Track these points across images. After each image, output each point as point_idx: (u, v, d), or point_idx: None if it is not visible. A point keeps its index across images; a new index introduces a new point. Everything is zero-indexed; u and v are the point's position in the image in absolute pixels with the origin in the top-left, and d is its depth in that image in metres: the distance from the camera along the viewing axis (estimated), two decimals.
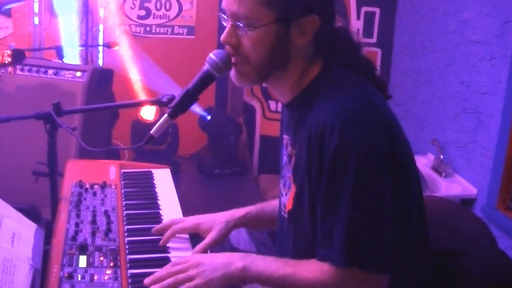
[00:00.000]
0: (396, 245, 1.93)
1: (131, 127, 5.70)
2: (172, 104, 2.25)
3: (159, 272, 2.15)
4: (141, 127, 5.52)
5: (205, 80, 2.24)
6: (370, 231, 1.89)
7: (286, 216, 2.22)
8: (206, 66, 2.21)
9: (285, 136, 2.25)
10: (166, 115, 2.26)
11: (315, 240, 2.01)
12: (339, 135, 1.88)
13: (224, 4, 2.07)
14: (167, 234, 2.49)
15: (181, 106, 2.24)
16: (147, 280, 2.10)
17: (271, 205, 2.63)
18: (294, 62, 2.09)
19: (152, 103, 2.70)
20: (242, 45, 2.08)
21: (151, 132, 2.25)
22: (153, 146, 5.72)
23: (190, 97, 2.24)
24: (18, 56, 3.06)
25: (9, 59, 3.04)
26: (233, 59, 2.13)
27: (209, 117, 5.92)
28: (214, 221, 2.53)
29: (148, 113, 5.52)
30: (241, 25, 2.03)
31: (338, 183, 1.89)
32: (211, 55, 2.19)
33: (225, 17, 2.09)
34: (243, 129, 6.26)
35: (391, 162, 1.92)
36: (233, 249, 2.77)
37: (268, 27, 2.01)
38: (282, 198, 2.28)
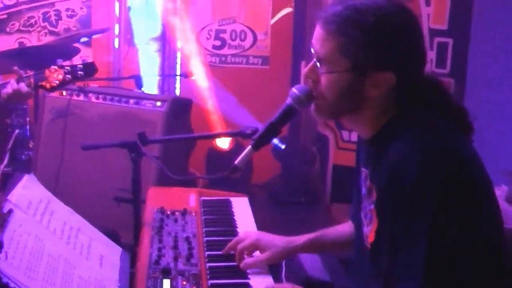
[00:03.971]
0: (474, 277, 1.94)
1: (206, 155, 5.80)
2: (256, 136, 2.32)
3: None
4: (217, 155, 5.62)
5: (288, 114, 2.30)
6: (449, 264, 1.91)
7: (368, 246, 2.25)
8: (288, 100, 2.27)
9: (363, 170, 2.28)
10: (250, 146, 2.33)
11: (393, 272, 2.04)
12: (417, 170, 1.90)
13: (313, 39, 2.14)
14: (238, 253, 2.60)
15: (265, 138, 2.32)
16: None
17: (334, 231, 2.68)
18: (369, 107, 2.12)
19: (236, 134, 2.78)
20: (320, 83, 2.14)
21: (236, 162, 2.33)
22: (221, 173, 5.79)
23: (273, 130, 2.31)
24: (89, 69, 3.15)
25: (82, 73, 3.12)
26: (313, 94, 2.19)
27: (283, 146, 5.99)
28: (273, 242, 2.62)
29: (223, 142, 5.61)
30: (319, 65, 2.10)
31: (417, 217, 1.91)
32: (294, 89, 2.26)
33: (312, 52, 2.16)
34: (316, 158, 6.30)
35: (469, 195, 1.94)
36: (308, 277, 2.81)
37: (341, 74, 2.06)
38: (363, 228, 2.31)
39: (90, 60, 6.13)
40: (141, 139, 2.77)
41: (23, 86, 3.11)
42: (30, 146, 5.13)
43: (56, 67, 3.07)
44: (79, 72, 3.07)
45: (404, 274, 1.96)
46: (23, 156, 5.08)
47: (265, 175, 6.47)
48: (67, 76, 3.05)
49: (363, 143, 2.31)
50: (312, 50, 2.16)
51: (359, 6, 2.04)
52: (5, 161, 2.47)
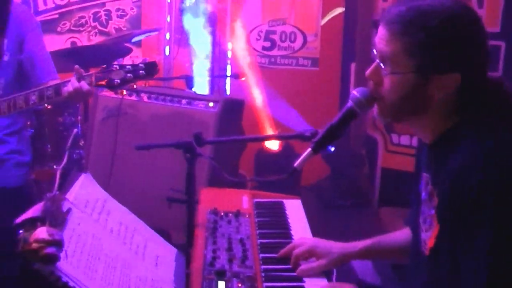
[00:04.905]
0: None
1: (255, 157, 5.79)
2: (316, 139, 2.30)
3: None
4: (266, 157, 5.61)
5: (348, 116, 2.28)
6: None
7: (426, 253, 2.22)
8: (349, 103, 2.25)
9: (424, 174, 2.25)
10: (310, 149, 2.31)
11: (452, 278, 2.01)
12: (480, 175, 1.88)
13: (376, 39, 2.11)
14: (293, 259, 2.57)
15: (325, 141, 2.30)
16: None
17: (390, 238, 2.65)
18: (432, 110, 2.10)
19: (295, 137, 2.76)
20: (382, 85, 2.12)
21: (295, 165, 2.31)
22: (277, 175, 5.78)
23: (333, 133, 2.29)
24: (151, 68, 3.14)
25: (143, 72, 3.11)
26: (375, 96, 2.17)
27: (332, 149, 5.94)
28: (330, 249, 2.59)
29: (272, 143, 5.60)
30: (383, 66, 2.08)
31: (480, 223, 1.88)
32: (355, 92, 2.23)
33: (375, 53, 2.13)
34: (365, 161, 6.26)
35: None
36: (359, 282, 2.80)
37: (406, 76, 2.04)
38: (421, 233, 2.27)
39: (139, 59, 6.18)
40: (197, 140, 2.76)
41: (84, 85, 3.12)
42: (81, 144, 5.16)
43: (117, 66, 3.07)
44: (141, 72, 3.07)
45: (467, 282, 1.93)
46: (74, 155, 5.12)
47: (314, 177, 6.44)
48: (128, 75, 3.05)
49: (424, 147, 2.28)
50: (374, 51, 2.14)
51: (424, 7, 2.02)
52: (65, 160, 2.47)
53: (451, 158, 2.02)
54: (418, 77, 2.03)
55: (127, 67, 3.07)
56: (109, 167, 4.56)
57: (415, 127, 2.25)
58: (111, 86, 3.09)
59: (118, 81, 3.06)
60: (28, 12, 3.97)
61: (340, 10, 6.49)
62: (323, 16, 6.57)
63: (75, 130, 3.88)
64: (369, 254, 2.65)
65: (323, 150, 2.33)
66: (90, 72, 3.15)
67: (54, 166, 5.17)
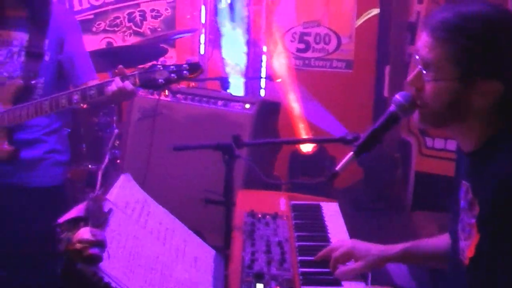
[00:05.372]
0: None
1: (289, 159, 5.79)
2: (358, 143, 2.30)
3: None
4: (299, 159, 5.60)
5: (391, 121, 2.27)
6: None
7: (466, 262, 2.20)
8: (392, 107, 2.24)
9: (464, 182, 2.23)
10: (352, 153, 2.30)
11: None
12: None
13: (418, 44, 2.10)
14: (332, 261, 2.56)
15: (367, 145, 2.29)
16: None
17: (428, 243, 2.63)
18: (475, 117, 2.08)
19: (337, 140, 2.75)
20: (425, 91, 2.11)
21: (337, 169, 2.30)
22: (310, 178, 5.78)
23: (375, 137, 2.29)
24: (195, 69, 3.12)
25: (187, 72, 3.09)
26: (417, 102, 2.16)
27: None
28: (369, 251, 2.57)
29: (306, 145, 5.59)
30: (425, 72, 2.07)
31: None
32: (397, 96, 2.22)
33: (417, 58, 2.12)
34: (399, 164, 6.23)
35: None
36: (395, 286, 2.78)
37: (448, 82, 2.03)
38: (460, 242, 2.25)
39: (173, 60, 6.21)
40: (236, 142, 2.76)
41: (128, 84, 3.12)
42: (116, 144, 5.19)
43: (161, 66, 3.07)
44: (184, 72, 3.05)
45: None
46: (109, 155, 5.15)
47: (347, 180, 6.42)
48: (172, 75, 3.04)
49: (464, 155, 2.26)
50: (417, 56, 2.13)
51: (467, 13, 2.01)
52: (106, 161, 2.48)
53: (493, 167, 2.01)
54: (461, 84, 2.02)
55: (171, 67, 3.06)
56: (144, 168, 4.57)
57: (456, 134, 2.23)
58: (155, 86, 3.09)
59: (162, 81, 3.05)
60: (68, 12, 4.01)
61: (375, 11, 6.46)
62: (358, 17, 6.54)
63: (116, 130, 3.88)
64: (407, 258, 2.63)
65: (365, 153, 2.32)
66: (133, 72, 3.15)
67: (89, 166, 5.22)
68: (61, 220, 1.96)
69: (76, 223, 1.93)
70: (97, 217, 1.98)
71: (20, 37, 3.48)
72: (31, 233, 3.53)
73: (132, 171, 4.51)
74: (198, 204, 3.42)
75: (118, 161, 5.09)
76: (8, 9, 3.49)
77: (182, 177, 4.65)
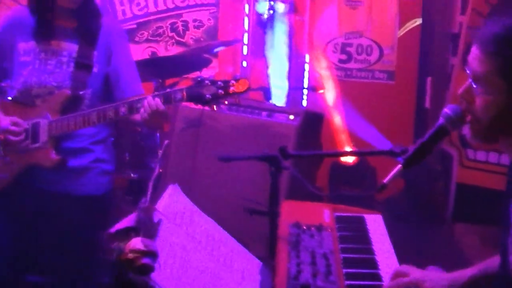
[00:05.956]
0: None
1: (330, 169, 5.79)
2: (407, 156, 2.30)
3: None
4: (340, 169, 5.59)
5: (439, 134, 2.27)
6: None
7: None
8: (440, 120, 2.23)
9: None
10: (400, 166, 2.30)
11: None
12: None
13: (469, 57, 2.10)
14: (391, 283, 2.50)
15: (415, 158, 2.29)
16: None
17: (495, 265, 2.60)
18: None
19: (385, 153, 2.75)
20: (475, 104, 2.10)
21: (384, 181, 2.31)
22: (351, 188, 5.78)
23: (424, 150, 2.29)
24: (242, 85, 3.12)
25: (234, 88, 3.10)
26: (467, 116, 2.15)
27: None
28: (438, 283, 2.50)
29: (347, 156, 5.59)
30: (475, 86, 2.07)
31: None
32: (446, 109, 2.22)
33: (467, 72, 2.12)
34: (440, 176, 6.19)
35: None
36: None
37: (499, 96, 2.02)
38: (510, 256, 2.24)
39: (216, 70, 6.25)
40: (282, 153, 2.77)
41: (177, 98, 3.16)
42: (159, 154, 5.22)
43: (209, 82, 3.09)
44: (232, 88, 3.08)
45: None
46: (152, 164, 5.18)
47: (388, 191, 6.37)
48: (220, 91, 3.07)
49: None
50: (467, 70, 2.12)
51: None
52: (156, 171, 2.49)
53: None
54: (509, 97, 2.02)
55: (219, 82, 3.09)
56: (188, 177, 4.60)
57: (507, 149, 2.22)
58: (202, 101, 3.11)
59: (210, 96, 3.07)
60: (117, 24, 4.04)
61: (418, 21, 6.43)
62: (400, 28, 6.53)
63: (166, 141, 3.90)
64: (477, 286, 2.57)
65: (413, 166, 2.31)
66: (181, 87, 3.17)
67: (132, 175, 5.25)
68: (113, 230, 1.99)
69: (127, 233, 1.96)
70: (148, 228, 2.01)
71: (70, 48, 3.52)
72: (76, 240, 3.58)
73: (175, 180, 4.58)
74: (241, 214, 3.41)
75: (161, 170, 5.12)
76: (59, 19, 3.55)
77: (226, 187, 4.66)
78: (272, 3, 6.21)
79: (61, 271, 3.65)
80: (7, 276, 3.65)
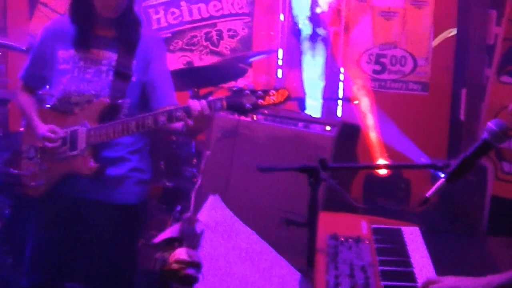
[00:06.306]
0: None
1: (364, 180, 5.77)
2: (450, 170, 2.29)
3: None
4: (374, 181, 5.58)
5: (484, 149, 2.26)
6: None
7: None
8: (485, 135, 2.23)
9: None
10: (443, 180, 2.30)
11: None
12: None
13: None
14: None
15: (459, 172, 2.29)
16: None
17: None
18: None
19: (427, 167, 2.76)
20: None
21: (427, 195, 2.31)
22: (385, 200, 5.76)
23: (467, 164, 2.28)
24: (282, 95, 3.12)
25: (273, 98, 3.10)
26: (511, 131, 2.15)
27: (442, 175, 5.88)
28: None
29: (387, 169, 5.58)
30: None
31: None
32: (491, 124, 2.22)
33: None
34: (475, 189, 6.15)
35: None
36: None
37: None
38: None
39: (250, 79, 6.26)
40: (322, 165, 2.78)
41: (217, 107, 3.17)
42: (194, 163, 5.24)
43: (248, 91, 3.09)
44: (272, 98, 3.08)
45: None
46: (187, 173, 5.20)
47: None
48: (259, 100, 3.07)
49: None
50: None
51: None
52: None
53: None
54: None
55: (259, 92, 3.09)
56: (224, 186, 4.62)
57: None
58: (241, 111, 3.11)
59: (250, 106, 3.08)
60: (156, 35, 4.08)
61: (453, 31, 6.40)
62: (434, 37, 6.50)
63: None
64: None
65: (457, 180, 2.31)
66: (220, 96, 3.18)
67: (166, 183, 5.28)
68: (157, 240, 2.01)
69: (171, 243, 1.97)
70: (191, 238, 2.02)
71: (109, 57, 3.55)
72: (111, 248, 3.61)
73: (210, 190, 4.60)
74: (277, 224, 3.43)
75: (196, 179, 5.14)
76: (99, 28, 3.58)
77: (261, 197, 4.65)
78: (308, 14, 6.22)
79: (97, 279, 3.68)
80: (44, 282, 3.68)
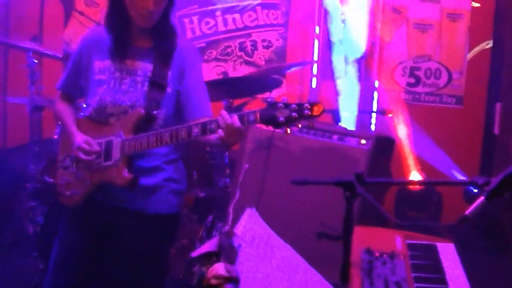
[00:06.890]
0: None
1: (396, 195, 5.76)
2: (491, 188, 2.28)
3: None
4: (406, 195, 5.56)
5: None
6: None
7: None
8: None
9: None
10: (483, 198, 2.29)
11: None
12: None
13: None
14: None
15: (499, 190, 2.27)
16: None
17: None
18: None
19: (466, 184, 2.74)
20: None
21: (466, 213, 2.30)
22: (417, 214, 5.74)
23: (508, 182, 2.27)
24: (317, 109, 3.10)
25: (308, 112, 3.07)
26: None
27: (475, 190, 5.84)
28: None
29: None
30: None
31: None
32: None
33: None
34: (508, 204, 6.11)
35: None
36: None
37: None
38: None
39: (283, 90, 6.27)
40: (359, 179, 2.77)
41: (250, 120, 3.16)
42: (227, 173, 5.25)
43: (282, 104, 3.08)
44: (306, 112, 3.06)
45: None
46: (220, 183, 5.21)
47: (454, 218, 6.31)
48: (293, 114, 3.05)
49: None
50: None
51: None
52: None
53: None
54: None
55: (293, 105, 3.07)
56: (257, 198, 4.62)
57: None
58: (275, 124, 3.10)
59: (283, 119, 3.06)
60: (192, 46, 4.07)
61: (490, 43, 6.37)
62: (470, 50, 6.47)
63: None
64: None
65: (497, 198, 2.29)
66: (254, 109, 3.17)
67: (199, 193, 5.29)
68: (195, 254, 2.01)
69: (209, 257, 1.98)
70: (229, 252, 2.03)
71: (145, 67, 3.56)
72: (144, 258, 3.61)
73: (243, 200, 4.61)
74: (311, 238, 3.41)
75: (229, 190, 5.15)
76: (135, 39, 3.60)
77: (295, 210, 4.66)
78: (343, 25, 6.23)
79: (126, 286, 3.68)
80: (68, 286, 3.69)
